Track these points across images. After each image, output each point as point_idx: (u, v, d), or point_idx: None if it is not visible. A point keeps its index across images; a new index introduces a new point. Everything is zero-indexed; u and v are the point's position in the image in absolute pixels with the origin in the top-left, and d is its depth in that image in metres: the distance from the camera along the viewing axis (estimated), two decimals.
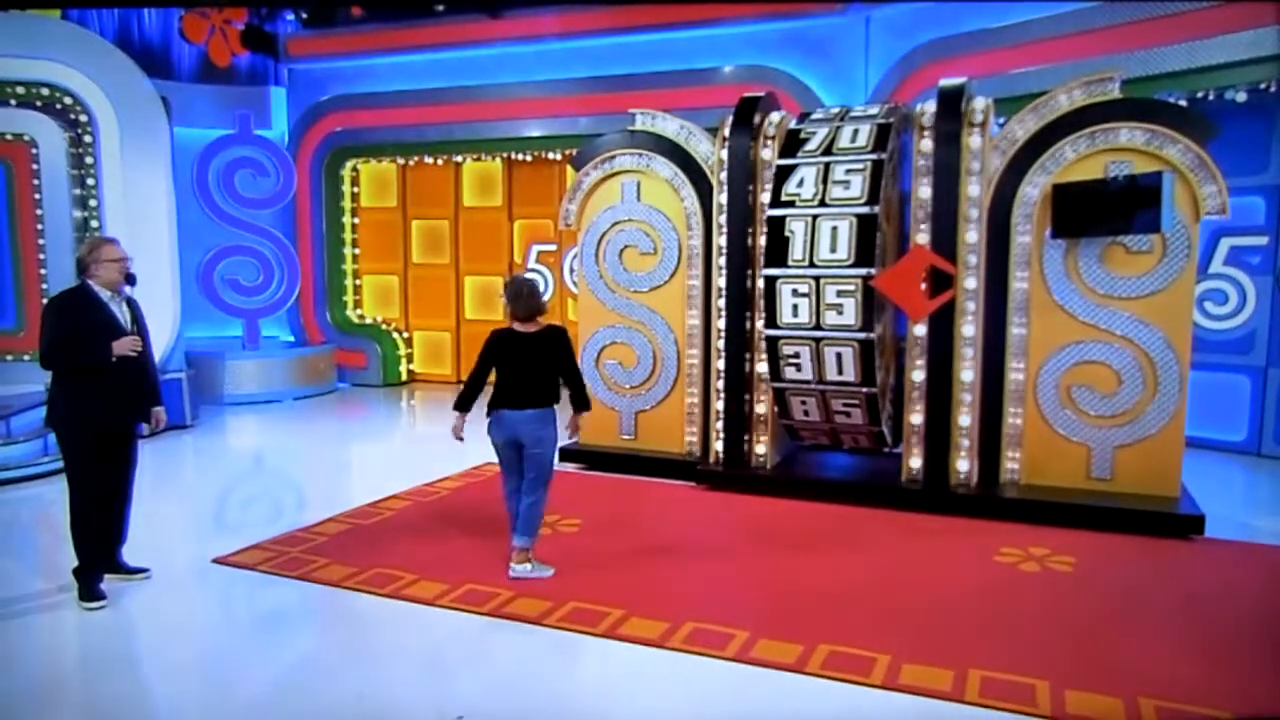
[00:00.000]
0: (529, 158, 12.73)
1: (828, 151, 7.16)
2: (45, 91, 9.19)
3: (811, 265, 6.99)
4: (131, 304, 5.30)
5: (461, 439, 5.65)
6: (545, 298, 6.01)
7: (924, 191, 6.89)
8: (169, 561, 5.78)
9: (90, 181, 9.42)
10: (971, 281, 6.84)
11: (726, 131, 7.52)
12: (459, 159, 13.17)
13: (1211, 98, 7.94)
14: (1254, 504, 7.69)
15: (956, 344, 6.89)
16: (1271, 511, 7.36)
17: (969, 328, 6.87)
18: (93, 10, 11.98)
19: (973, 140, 6.76)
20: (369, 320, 13.85)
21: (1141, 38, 8.15)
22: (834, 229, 6.96)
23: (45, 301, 5.17)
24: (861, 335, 6.88)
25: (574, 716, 4.07)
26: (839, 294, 6.92)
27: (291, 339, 13.78)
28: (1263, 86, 7.70)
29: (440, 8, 12.49)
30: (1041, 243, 6.76)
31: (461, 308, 13.73)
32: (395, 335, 13.66)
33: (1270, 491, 7.90)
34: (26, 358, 9.26)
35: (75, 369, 5.02)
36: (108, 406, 5.09)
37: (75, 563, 5.12)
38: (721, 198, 7.59)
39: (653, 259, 8.11)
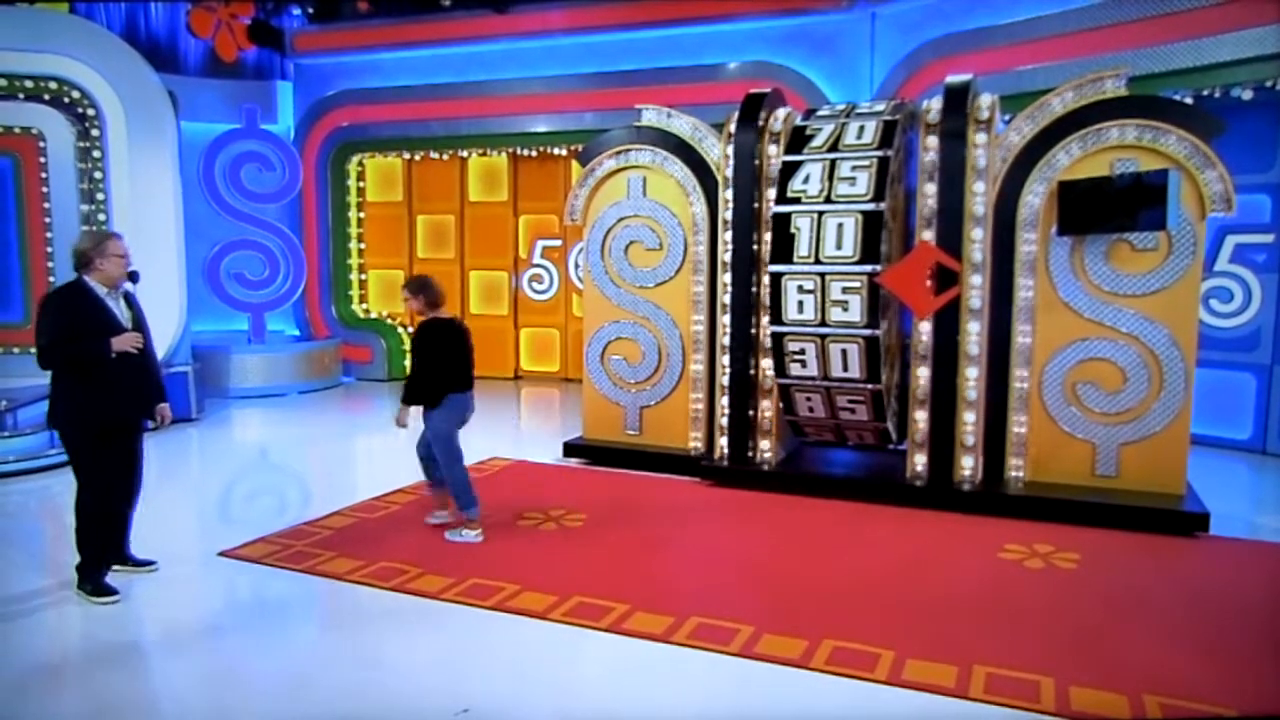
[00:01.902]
0: (534, 153, 12.75)
1: (833, 148, 7.16)
2: (53, 85, 9.22)
3: (817, 262, 7.00)
4: (130, 299, 5.25)
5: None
6: None
7: (929, 189, 6.89)
8: (175, 554, 5.80)
9: (97, 175, 9.45)
10: (977, 278, 6.84)
11: (732, 128, 7.52)
12: (464, 154, 13.20)
13: (1217, 95, 7.95)
14: (1259, 502, 7.69)
15: (962, 338, 6.91)
16: (1276, 509, 7.37)
17: (974, 323, 6.88)
18: (100, 3, 12.01)
19: (978, 137, 6.76)
20: (374, 315, 13.87)
21: (1147, 35, 8.15)
22: (839, 226, 6.96)
23: (41, 298, 5.09)
24: (867, 332, 6.89)
25: (578, 711, 4.08)
26: (844, 291, 6.92)
27: (297, 333, 13.81)
28: (1269, 84, 7.69)
29: (447, 3, 12.50)
30: (1048, 236, 6.76)
31: (466, 303, 13.75)
32: (400, 330, 13.68)
33: (1275, 489, 7.90)
34: (33, 350, 9.29)
35: (75, 366, 4.97)
36: (109, 403, 5.05)
37: (78, 558, 5.12)
38: (727, 194, 7.59)
39: (658, 255, 8.12)
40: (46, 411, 5.16)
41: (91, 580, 5.09)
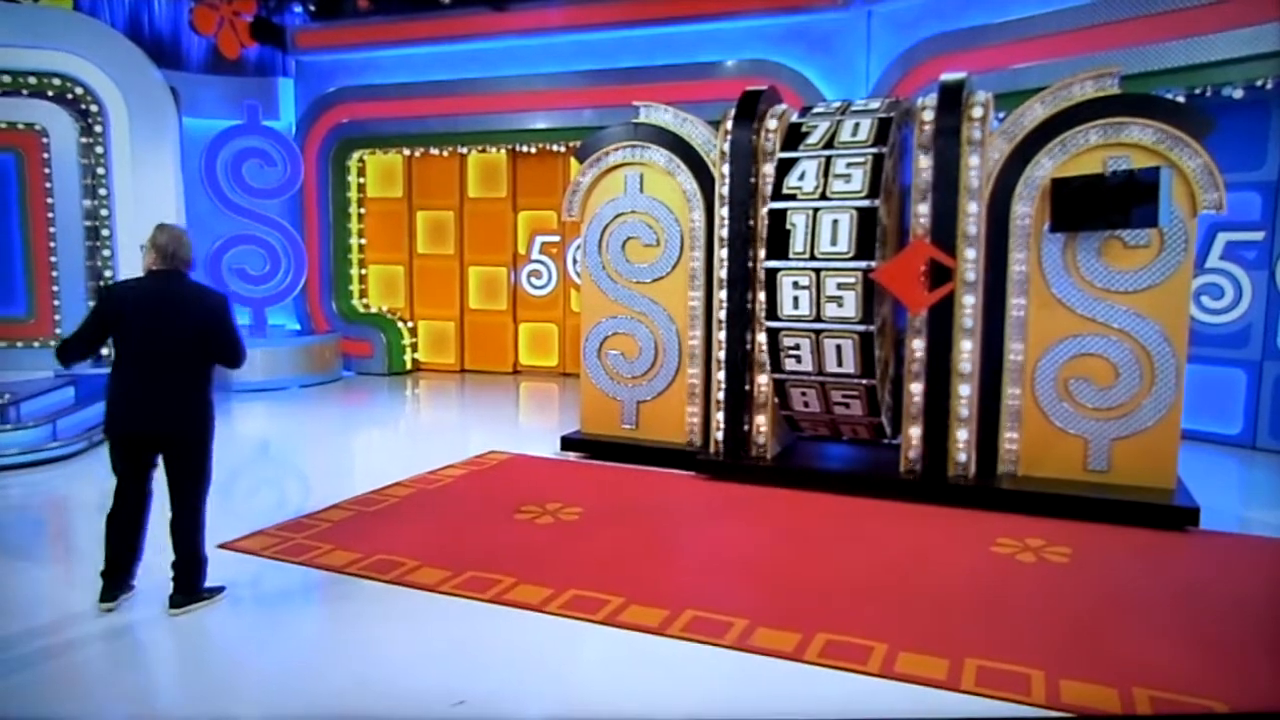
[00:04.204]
0: (533, 149, 12.81)
1: (829, 145, 7.20)
2: (57, 82, 9.29)
3: (812, 258, 7.05)
4: None
5: None
6: None
7: (923, 186, 6.94)
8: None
9: (100, 171, 9.53)
10: (971, 274, 6.90)
11: (729, 125, 7.57)
12: (464, 150, 13.25)
13: (1209, 94, 8.00)
14: (1248, 496, 7.76)
15: (956, 334, 6.96)
16: (1265, 504, 7.43)
17: (969, 320, 6.94)
18: (104, 0, 12.08)
19: (973, 134, 6.81)
20: (374, 310, 13.94)
21: (1141, 34, 8.19)
22: (835, 222, 7.01)
23: (221, 294, 5.04)
24: (861, 328, 6.94)
25: (573, 703, 4.11)
26: (839, 286, 6.97)
27: (298, 328, 13.86)
28: (1259, 84, 7.74)
29: (447, 0, 12.55)
30: (1040, 236, 6.82)
31: (466, 298, 13.82)
32: (400, 324, 13.74)
33: (1264, 484, 7.95)
34: (36, 344, 9.36)
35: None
36: None
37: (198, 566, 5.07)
38: (723, 190, 7.64)
39: (655, 250, 8.17)
40: (207, 424, 5.07)
41: (205, 590, 5.06)
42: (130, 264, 9.46)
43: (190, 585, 4.98)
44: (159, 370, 4.79)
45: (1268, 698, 4.07)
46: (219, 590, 5.11)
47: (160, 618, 4.86)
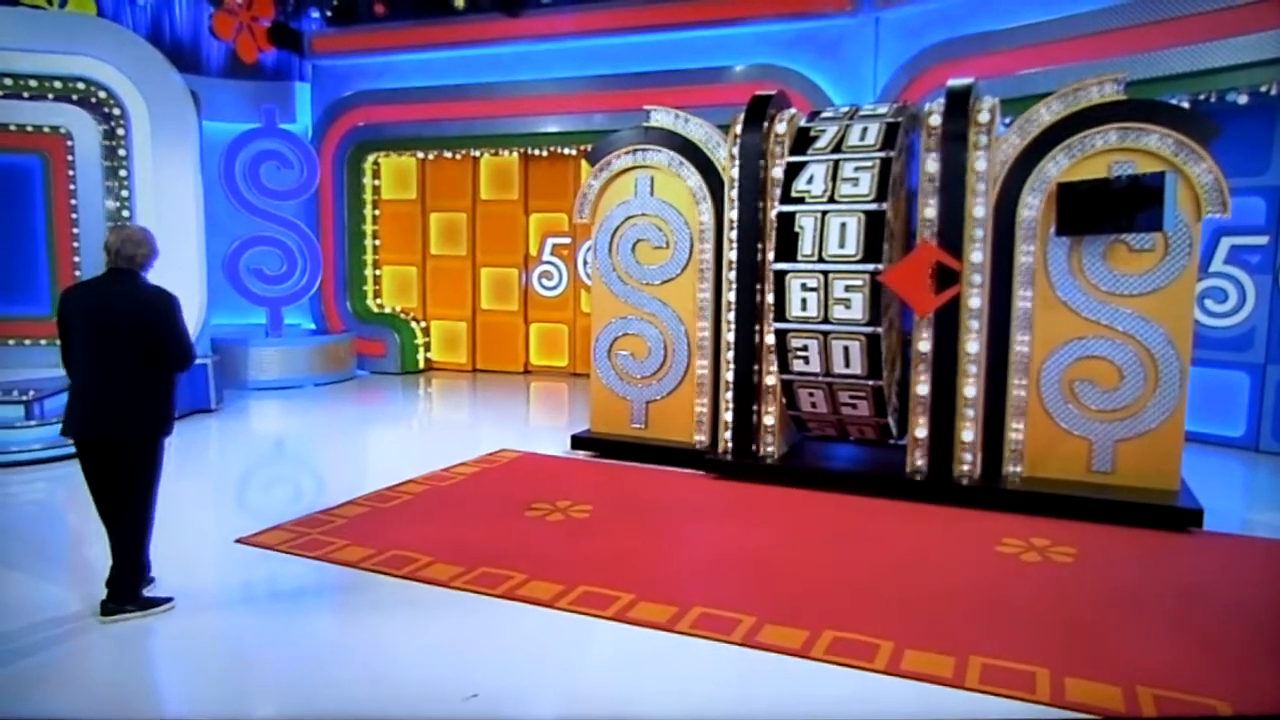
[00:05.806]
0: (545, 153, 12.91)
1: (837, 149, 7.28)
2: (81, 86, 9.41)
3: (820, 260, 7.12)
4: None
5: None
6: None
7: (930, 190, 7.02)
8: (193, 541, 5.98)
9: (122, 173, 9.65)
10: (977, 276, 6.97)
11: (738, 129, 7.65)
12: (477, 153, 13.36)
13: (1213, 100, 8.03)
14: (1251, 498, 7.80)
15: (962, 335, 7.04)
16: (1268, 505, 7.46)
17: (975, 321, 7.01)
18: (125, 5, 12.27)
19: (979, 139, 6.88)
20: (388, 310, 14.07)
21: (1146, 40, 8.24)
22: (843, 225, 7.09)
23: (166, 295, 4.78)
24: (868, 329, 7.02)
25: (583, 697, 4.16)
26: (847, 289, 7.05)
27: (313, 327, 13.99)
28: (1263, 89, 7.78)
29: (460, 5, 12.69)
30: (1046, 239, 6.88)
31: (478, 298, 13.93)
32: (413, 324, 13.86)
33: (1267, 486, 7.98)
34: (60, 342, 9.49)
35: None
36: None
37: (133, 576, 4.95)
38: (732, 193, 7.72)
39: (665, 252, 8.26)
40: (159, 423, 4.83)
41: (142, 599, 4.94)
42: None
43: (125, 594, 4.81)
44: (101, 371, 4.69)
45: (1271, 699, 4.09)
46: (164, 601, 4.93)
47: (179, 608, 4.94)
